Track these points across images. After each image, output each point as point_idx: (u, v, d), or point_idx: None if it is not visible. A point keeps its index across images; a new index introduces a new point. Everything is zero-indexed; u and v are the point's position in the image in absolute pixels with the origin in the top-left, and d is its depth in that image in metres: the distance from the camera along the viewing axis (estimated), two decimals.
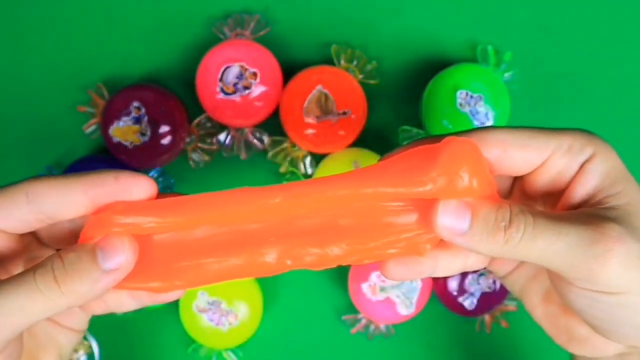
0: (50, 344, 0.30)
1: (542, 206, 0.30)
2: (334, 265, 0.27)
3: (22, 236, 0.27)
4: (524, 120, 0.47)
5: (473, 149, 0.26)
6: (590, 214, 0.25)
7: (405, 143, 0.29)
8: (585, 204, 0.27)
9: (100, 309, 0.31)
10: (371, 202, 0.27)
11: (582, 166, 0.27)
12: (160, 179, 0.48)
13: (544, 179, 0.27)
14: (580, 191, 0.27)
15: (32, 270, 0.24)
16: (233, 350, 0.47)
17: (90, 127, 0.47)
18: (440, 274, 0.28)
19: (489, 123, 0.44)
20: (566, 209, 0.27)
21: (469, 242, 0.25)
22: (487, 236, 0.25)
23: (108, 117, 0.45)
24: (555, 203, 0.28)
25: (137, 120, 0.44)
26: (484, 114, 0.44)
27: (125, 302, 0.30)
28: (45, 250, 0.30)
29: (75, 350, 0.49)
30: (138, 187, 0.26)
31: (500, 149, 0.26)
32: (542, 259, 0.25)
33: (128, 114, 0.44)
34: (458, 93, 0.44)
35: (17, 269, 0.28)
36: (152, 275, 0.26)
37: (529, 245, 0.25)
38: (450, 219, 0.25)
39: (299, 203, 0.26)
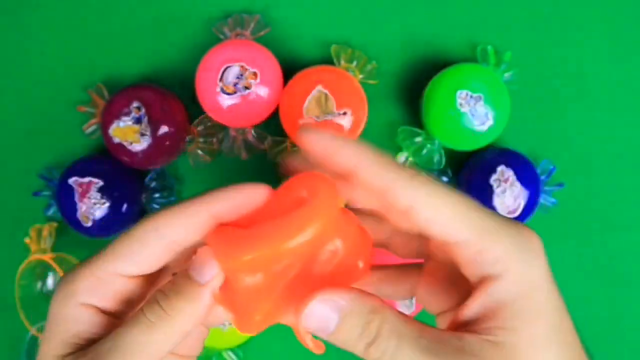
0: None
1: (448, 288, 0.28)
2: None
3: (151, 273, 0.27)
4: (524, 120, 0.47)
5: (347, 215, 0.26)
6: (459, 349, 0.24)
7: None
8: (475, 323, 0.25)
9: (214, 321, 0.31)
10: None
11: (483, 279, 0.25)
12: (160, 179, 0.48)
13: (450, 260, 0.26)
14: (471, 309, 0.25)
15: (140, 310, 0.24)
16: (233, 350, 0.47)
17: (90, 127, 0.47)
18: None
19: (489, 123, 0.44)
20: (457, 322, 0.26)
21: (330, 340, 0.25)
22: (348, 344, 0.25)
23: (108, 117, 0.45)
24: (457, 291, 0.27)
25: (137, 120, 0.44)
26: (484, 113, 0.44)
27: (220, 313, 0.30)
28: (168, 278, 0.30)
29: None
30: (259, 194, 0.26)
31: (429, 213, 0.24)
32: None
33: (128, 114, 0.44)
34: (458, 93, 0.44)
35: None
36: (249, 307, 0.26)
37: None
38: (317, 321, 0.25)
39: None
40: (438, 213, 0.24)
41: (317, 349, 0.26)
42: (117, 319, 0.26)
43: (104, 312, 0.25)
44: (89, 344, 0.25)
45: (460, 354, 0.24)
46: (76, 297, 0.25)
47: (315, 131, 0.26)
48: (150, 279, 0.27)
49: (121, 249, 0.25)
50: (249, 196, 0.26)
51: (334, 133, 0.26)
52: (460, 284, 0.27)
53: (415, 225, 0.25)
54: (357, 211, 0.28)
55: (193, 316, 0.25)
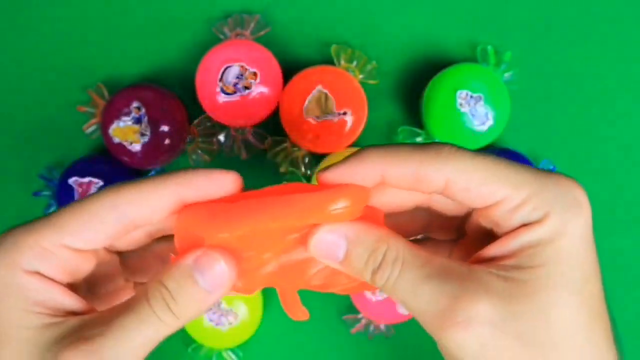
0: None
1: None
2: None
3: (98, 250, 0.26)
4: (524, 120, 0.47)
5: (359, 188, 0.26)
6: (463, 275, 0.24)
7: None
8: (491, 260, 0.25)
9: None
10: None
11: (518, 228, 0.24)
12: None
13: (479, 221, 0.26)
14: (492, 249, 0.25)
15: (145, 301, 0.24)
16: (233, 350, 0.47)
17: (90, 127, 0.47)
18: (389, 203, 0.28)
19: (489, 123, 0.44)
20: (473, 260, 0.25)
21: (342, 269, 0.26)
22: (358, 272, 0.25)
23: (108, 117, 0.45)
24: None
25: (137, 120, 0.44)
26: (484, 114, 0.44)
27: None
28: (112, 256, 0.29)
29: None
30: (228, 182, 0.25)
31: (465, 184, 0.24)
32: (405, 308, 0.25)
33: (128, 114, 0.44)
34: (458, 93, 0.44)
35: (81, 283, 0.28)
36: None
37: (391, 293, 0.25)
38: (325, 248, 0.25)
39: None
40: (472, 179, 0.24)
41: (303, 316, 0.27)
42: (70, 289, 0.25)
43: (52, 280, 0.24)
44: (60, 315, 0.24)
45: (463, 281, 0.23)
46: (21, 265, 0.24)
47: (331, 171, 0.26)
48: (99, 253, 0.27)
49: (72, 221, 0.24)
50: (219, 184, 0.25)
51: (345, 161, 0.26)
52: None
53: (455, 200, 0.25)
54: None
55: (197, 316, 0.25)
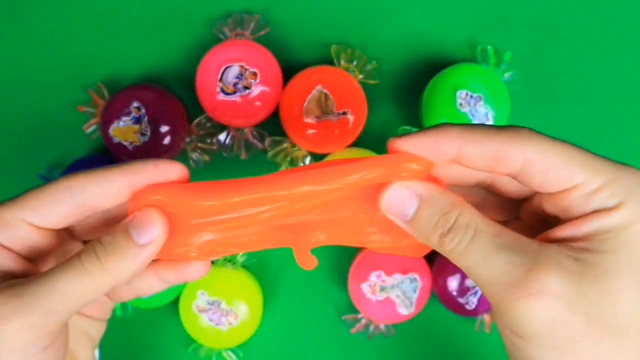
0: (83, 338, 0.31)
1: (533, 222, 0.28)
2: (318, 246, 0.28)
3: (58, 231, 0.28)
4: (524, 121, 0.47)
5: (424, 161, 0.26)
6: (535, 251, 0.24)
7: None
8: (563, 240, 0.25)
9: (128, 294, 0.31)
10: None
11: (593, 213, 0.24)
12: None
13: (551, 205, 0.26)
14: (566, 230, 0.25)
15: (77, 255, 0.25)
16: (233, 350, 0.47)
17: (90, 127, 0.47)
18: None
19: (489, 123, 0.44)
20: (545, 238, 0.25)
21: (408, 229, 0.26)
22: (424, 233, 0.25)
23: (108, 117, 0.45)
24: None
25: (137, 120, 0.44)
26: (484, 114, 0.44)
27: (152, 284, 0.30)
28: (75, 244, 0.31)
29: None
30: (174, 172, 0.27)
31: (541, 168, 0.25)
32: (470, 276, 0.25)
33: (128, 114, 0.44)
34: (458, 93, 0.44)
35: (50, 264, 0.29)
36: (174, 244, 0.28)
37: (458, 259, 0.25)
38: (396, 204, 0.25)
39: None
40: (552, 161, 0.25)
41: (313, 264, 0.28)
42: (27, 264, 0.26)
43: (10, 250, 0.26)
44: (4, 277, 0.25)
45: (535, 255, 0.23)
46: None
47: (407, 139, 0.26)
48: (58, 236, 0.28)
49: (31, 199, 0.26)
50: (165, 173, 0.27)
51: (424, 132, 0.26)
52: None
53: (529, 183, 0.25)
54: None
55: (128, 274, 0.25)
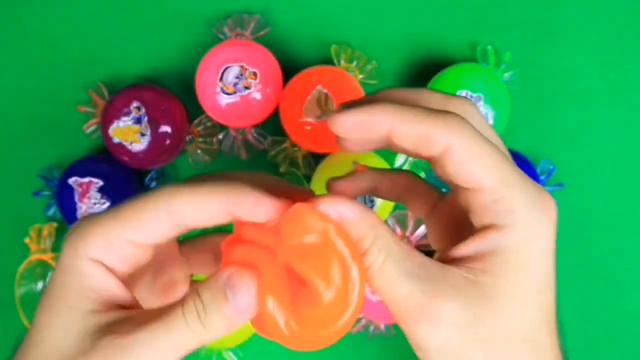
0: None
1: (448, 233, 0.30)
2: None
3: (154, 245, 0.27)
4: (524, 120, 0.47)
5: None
6: (439, 277, 0.25)
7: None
8: (463, 261, 0.26)
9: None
10: None
11: (489, 227, 0.26)
12: (160, 179, 0.48)
13: (461, 207, 0.27)
14: (463, 249, 0.26)
15: (179, 308, 0.24)
16: (233, 350, 0.47)
17: (90, 127, 0.47)
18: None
19: (489, 122, 0.44)
20: (447, 258, 0.27)
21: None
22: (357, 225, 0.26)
23: (108, 117, 0.45)
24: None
25: (137, 121, 0.44)
26: (484, 113, 0.44)
27: None
28: (172, 248, 0.31)
29: None
30: (269, 213, 0.26)
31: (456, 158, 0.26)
32: (378, 295, 0.26)
33: (128, 114, 0.44)
34: (458, 93, 0.44)
35: (147, 277, 0.29)
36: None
37: (370, 278, 0.26)
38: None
39: None
40: (469, 156, 0.25)
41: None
42: (125, 282, 0.26)
43: (112, 271, 0.25)
44: (108, 305, 0.25)
45: (438, 282, 0.25)
46: (87, 252, 0.25)
47: (346, 114, 0.26)
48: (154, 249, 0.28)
49: (132, 217, 0.25)
50: (262, 212, 0.26)
51: (360, 107, 0.26)
52: (463, 232, 0.28)
53: (442, 170, 0.26)
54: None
55: (225, 332, 0.25)
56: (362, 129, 0.26)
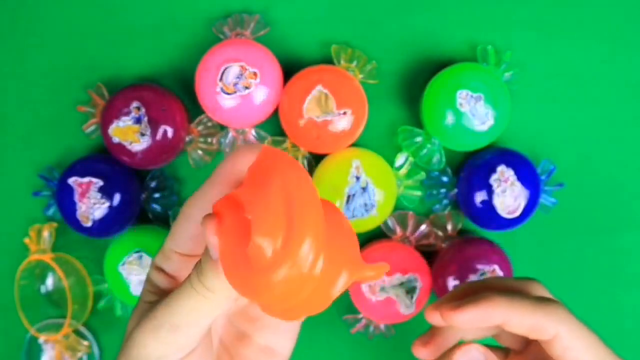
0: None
1: None
2: None
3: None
4: (524, 120, 0.47)
5: None
6: None
7: None
8: None
9: None
10: None
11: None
12: (160, 179, 0.48)
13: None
14: None
15: (188, 278, 0.28)
16: None
17: (90, 127, 0.47)
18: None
19: (490, 123, 0.44)
20: None
21: None
22: None
23: (108, 117, 0.45)
24: None
25: (137, 120, 0.44)
26: (484, 113, 0.44)
27: None
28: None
29: (76, 351, 0.49)
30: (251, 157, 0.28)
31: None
32: None
33: (128, 114, 0.44)
34: (458, 93, 0.44)
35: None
36: None
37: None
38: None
39: None
40: (575, 344, 0.31)
41: (384, 268, 0.27)
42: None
43: (168, 275, 0.30)
44: (159, 291, 0.30)
45: None
46: (154, 264, 0.30)
47: (462, 312, 0.32)
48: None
49: (174, 232, 0.29)
50: (245, 161, 0.27)
51: (474, 303, 0.31)
52: None
53: (549, 348, 0.31)
54: None
55: (227, 289, 0.27)
56: (479, 323, 0.31)
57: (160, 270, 0.30)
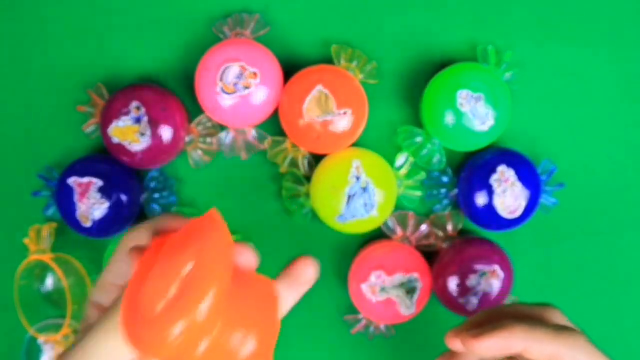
0: None
1: None
2: None
3: None
4: (524, 120, 0.47)
5: None
6: None
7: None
8: None
9: None
10: None
11: None
12: (160, 179, 0.48)
13: None
14: None
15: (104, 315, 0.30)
16: None
17: (90, 127, 0.47)
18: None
19: (490, 123, 0.44)
20: None
21: None
22: None
23: (107, 117, 0.45)
24: None
25: (137, 120, 0.44)
26: (485, 113, 0.44)
27: None
28: None
29: None
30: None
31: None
32: None
33: (128, 113, 0.44)
34: (458, 93, 0.44)
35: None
36: None
37: None
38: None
39: None
40: None
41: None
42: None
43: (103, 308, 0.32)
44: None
45: None
46: (91, 299, 0.32)
47: (484, 338, 0.32)
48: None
49: (110, 266, 0.32)
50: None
51: (495, 332, 0.32)
52: None
53: None
54: None
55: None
56: (500, 351, 0.32)
57: (97, 305, 0.32)
